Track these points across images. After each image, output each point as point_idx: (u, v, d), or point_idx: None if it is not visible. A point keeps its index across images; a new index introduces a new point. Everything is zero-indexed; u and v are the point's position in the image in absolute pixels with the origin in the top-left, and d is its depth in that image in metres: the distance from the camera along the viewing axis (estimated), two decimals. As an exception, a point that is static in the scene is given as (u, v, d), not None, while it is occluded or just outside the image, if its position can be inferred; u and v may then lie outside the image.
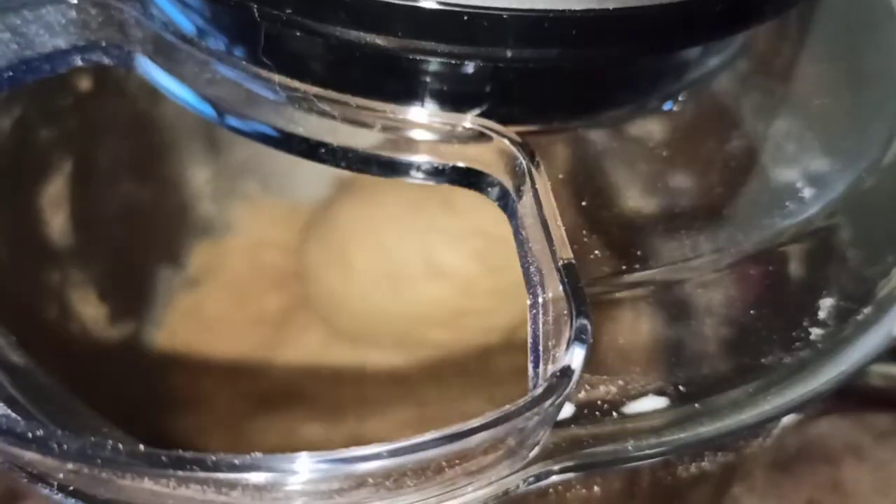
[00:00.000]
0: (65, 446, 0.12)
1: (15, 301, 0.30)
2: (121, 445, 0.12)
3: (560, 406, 0.14)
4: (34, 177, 0.32)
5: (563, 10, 0.15)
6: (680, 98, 0.20)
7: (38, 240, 0.32)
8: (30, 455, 0.12)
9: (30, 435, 0.12)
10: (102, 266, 0.35)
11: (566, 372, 0.14)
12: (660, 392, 0.17)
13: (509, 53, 0.16)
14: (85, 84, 0.32)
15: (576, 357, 0.14)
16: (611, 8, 0.16)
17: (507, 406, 0.13)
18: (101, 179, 0.35)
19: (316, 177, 0.38)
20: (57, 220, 0.33)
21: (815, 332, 0.19)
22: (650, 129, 0.20)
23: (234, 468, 0.12)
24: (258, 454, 0.12)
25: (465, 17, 0.15)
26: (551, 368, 0.15)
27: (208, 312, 0.37)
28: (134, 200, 0.36)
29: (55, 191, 0.33)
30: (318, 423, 0.28)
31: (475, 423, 0.13)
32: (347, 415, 0.29)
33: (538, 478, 0.17)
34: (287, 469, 0.13)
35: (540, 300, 0.16)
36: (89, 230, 0.34)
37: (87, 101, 0.32)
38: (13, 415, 0.15)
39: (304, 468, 0.13)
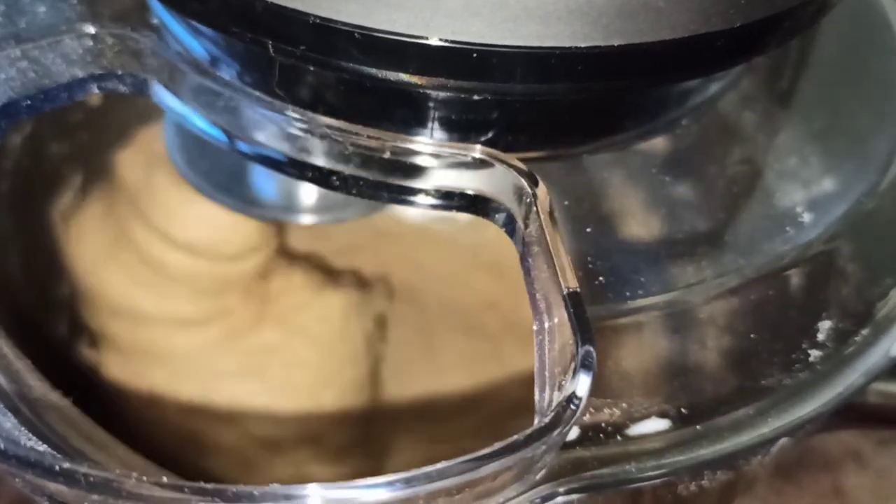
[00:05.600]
0: (91, 478, 0.12)
1: (25, 314, 0.30)
2: (145, 477, 0.13)
3: (566, 433, 0.15)
4: (45, 191, 0.32)
5: (570, 47, 0.16)
6: (683, 123, 0.21)
7: (49, 253, 0.32)
8: (56, 486, 0.13)
9: (57, 468, 0.12)
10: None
11: (572, 400, 0.14)
12: (662, 414, 0.18)
13: (517, 87, 0.17)
14: (94, 99, 0.32)
15: (581, 385, 0.15)
16: (615, 45, 0.16)
17: (516, 436, 0.14)
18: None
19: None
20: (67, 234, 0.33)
21: (815, 354, 0.19)
22: (653, 154, 0.20)
23: (252, 499, 0.13)
24: (276, 485, 0.13)
25: (475, 55, 0.16)
26: (557, 395, 0.16)
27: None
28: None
29: (66, 204, 0.33)
30: (324, 465, 0.29)
31: (485, 452, 0.14)
32: (354, 455, 0.29)
33: (544, 499, 0.17)
34: (303, 499, 0.13)
35: (546, 326, 0.17)
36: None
37: (97, 115, 0.33)
38: (39, 447, 0.15)
39: (319, 498, 0.13)
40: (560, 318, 0.16)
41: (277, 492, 0.13)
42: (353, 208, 0.28)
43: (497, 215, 0.19)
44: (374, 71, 0.16)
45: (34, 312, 0.31)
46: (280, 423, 0.29)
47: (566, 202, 0.19)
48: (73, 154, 0.33)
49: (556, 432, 0.14)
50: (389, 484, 0.13)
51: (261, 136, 0.20)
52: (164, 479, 0.13)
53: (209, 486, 0.13)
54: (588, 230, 0.18)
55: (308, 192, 0.28)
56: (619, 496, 0.20)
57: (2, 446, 0.12)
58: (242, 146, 0.21)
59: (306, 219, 0.28)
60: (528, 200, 0.18)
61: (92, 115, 0.32)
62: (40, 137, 0.31)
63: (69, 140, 0.32)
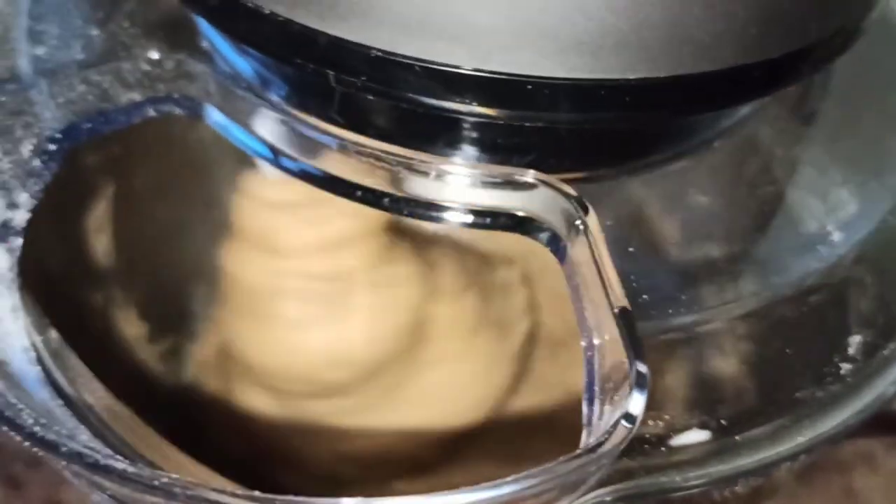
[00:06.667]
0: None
1: (63, 322, 0.31)
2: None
3: (620, 449, 0.16)
4: (80, 201, 0.33)
5: (619, 79, 0.17)
6: (715, 144, 0.22)
7: (84, 262, 0.33)
8: (154, 499, 0.13)
9: (156, 483, 0.13)
10: (143, 286, 0.36)
11: (629, 418, 0.15)
12: (703, 426, 0.19)
13: (565, 116, 0.17)
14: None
15: (636, 403, 0.15)
16: (661, 76, 0.17)
17: (578, 451, 0.15)
18: (141, 201, 0.36)
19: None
20: (100, 243, 0.34)
21: (845, 367, 0.20)
22: (688, 175, 0.21)
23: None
24: (318, 499, 0.14)
25: (529, 86, 0.17)
26: (608, 409, 0.17)
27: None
28: (171, 221, 0.37)
29: (99, 214, 0.34)
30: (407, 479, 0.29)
31: (545, 467, 0.15)
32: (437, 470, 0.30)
33: (592, 507, 0.18)
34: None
35: (595, 343, 0.17)
36: (130, 251, 0.35)
37: (130, 127, 0.33)
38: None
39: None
40: (610, 335, 0.17)
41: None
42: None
43: (541, 234, 0.20)
44: (431, 101, 0.17)
45: (70, 321, 0.32)
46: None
47: (608, 222, 0.20)
48: (107, 165, 0.33)
49: (611, 448, 0.15)
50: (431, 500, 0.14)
51: (310, 157, 0.21)
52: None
53: (259, 494, 0.13)
54: (630, 250, 0.19)
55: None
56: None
57: (108, 463, 0.13)
58: (290, 164, 0.22)
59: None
60: (574, 221, 0.19)
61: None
62: (76, 149, 0.32)
63: (103, 151, 0.33)
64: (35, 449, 0.15)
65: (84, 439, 0.17)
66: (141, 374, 0.35)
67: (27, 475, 0.35)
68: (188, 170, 0.37)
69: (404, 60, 0.17)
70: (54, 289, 0.30)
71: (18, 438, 0.15)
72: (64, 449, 0.14)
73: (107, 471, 0.13)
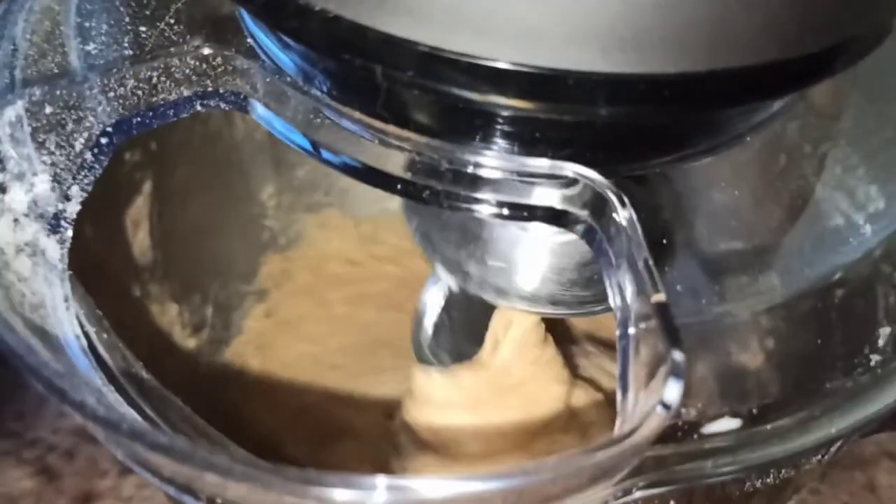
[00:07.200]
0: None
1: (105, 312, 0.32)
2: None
3: (656, 435, 0.16)
4: (120, 198, 0.33)
5: (659, 73, 0.17)
6: (747, 139, 0.22)
7: (123, 256, 0.34)
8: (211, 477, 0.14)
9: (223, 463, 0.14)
10: (179, 280, 0.37)
11: (665, 406, 0.16)
12: (734, 414, 0.19)
13: (606, 111, 0.18)
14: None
15: (673, 392, 0.16)
16: (702, 70, 0.17)
17: (613, 437, 0.15)
18: (177, 198, 0.36)
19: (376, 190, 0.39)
20: (138, 238, 0.35)
21: (875, 359, 0.20)
22: (720, 170, 0.22)
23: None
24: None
25: (571, 81, 0.17)
26: (643, 397, 0.17)
27: (278, 320, 0.40)
28: (206, 217, 0.38)
29: (136, 210, 0.34)
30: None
31: (584, 451, 0.15)
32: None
33: (625, 492, 0.18)
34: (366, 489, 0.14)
35: (630, 333, 0.18)
36: (166, 246, 0.36)
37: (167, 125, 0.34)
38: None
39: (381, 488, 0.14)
40: (647, 325, 0.17)
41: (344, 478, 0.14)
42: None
43: (576, 226, 0.20)
44: (476, 96, 0.18)
45: (110, 313, 0.33)
46: None
47: (642, 214, 0.20)
48: (144, 162, 0.34)
49: (647, 434, 0.16)
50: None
51: (351, 150, 0.21)
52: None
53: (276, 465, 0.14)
54: (664, 242, 0.20)
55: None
56: (671, 494, 0.22)
57: (170, 443, 0.14)
58: (331, 157, 0.22)
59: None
60: (611, 214, 0.19)
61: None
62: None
63: (140, 148, 0.34)
64: (97, 428, 0.15)
65: (137, 421, 0.18)
66: (177, 361, 0.36)
67: (62, 467, 0.36)
68: (223, 166, 0.38)
69: (451, 56, 0.17)
70: (95, 279, 0.31)
71: (81, 419, 0.16)
72: (125, 428, 0.15)
73: (168, 450, 0.14)
